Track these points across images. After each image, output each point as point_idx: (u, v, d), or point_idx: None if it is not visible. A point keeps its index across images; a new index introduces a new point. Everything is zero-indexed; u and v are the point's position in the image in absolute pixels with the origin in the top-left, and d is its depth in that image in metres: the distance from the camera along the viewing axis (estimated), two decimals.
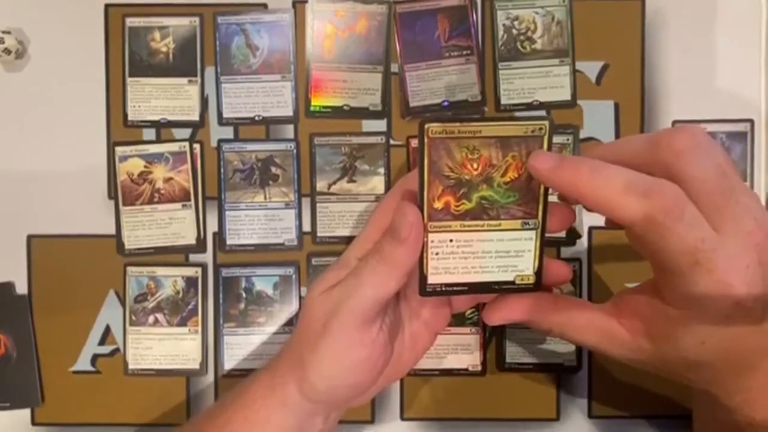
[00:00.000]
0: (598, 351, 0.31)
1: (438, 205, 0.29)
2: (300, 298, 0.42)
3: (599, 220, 0.41)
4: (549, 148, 0.29)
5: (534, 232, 0.30)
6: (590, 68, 0.41)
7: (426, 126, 0.28)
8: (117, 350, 0.42)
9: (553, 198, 0.30)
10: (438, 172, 0.29)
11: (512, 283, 0.31)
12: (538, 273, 0.31)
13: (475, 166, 0.29)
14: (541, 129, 0.28)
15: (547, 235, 0.31)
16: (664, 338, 0.29)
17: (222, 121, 0.42)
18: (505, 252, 0.30)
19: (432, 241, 0.30)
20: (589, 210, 0.28)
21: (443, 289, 0.31)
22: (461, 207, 0.30)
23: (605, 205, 0.26)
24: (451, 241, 0.30)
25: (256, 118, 0.42)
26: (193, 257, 0.42)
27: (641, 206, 0.25)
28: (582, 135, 0.41)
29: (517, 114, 0.41)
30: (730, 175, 0.27)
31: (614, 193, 0.26)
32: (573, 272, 0.35)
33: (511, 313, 0.32)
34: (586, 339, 0.31)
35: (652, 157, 0.27)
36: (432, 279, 0.31)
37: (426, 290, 0.31)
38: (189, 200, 0.42)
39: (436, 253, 0.30)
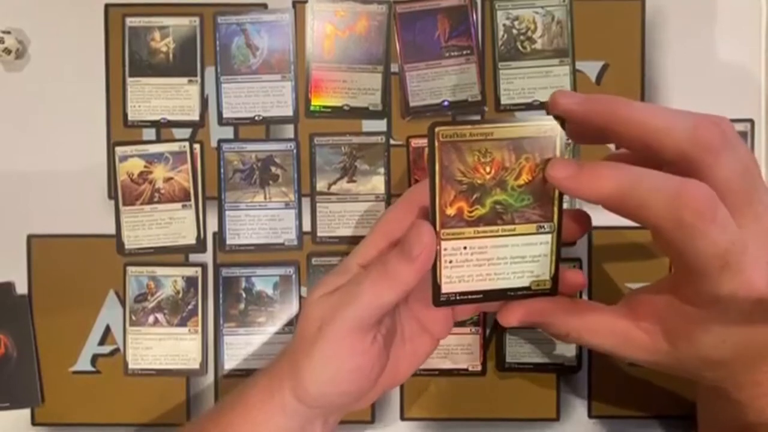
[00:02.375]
0: (615, 354, 0.31)
1: (450, 211, 0.29)
2: (300, 298, 0.42)
3: (599, 220, 0.41)
4: (562, 149, 0.28)
5: (550, 235, 0.29)
6: (590, 68, 0.41)
7: (436, 129, 0.27)
8: (117, 350, 0.42)
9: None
10: (450, 177, 0.28)
11: (528, 288, 0.30)
12: (555, 278, 0.30)
13: (487, 169, 0.28)
14: (553, 129, 0.28)
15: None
16: (683, 338, 0.28)
17: (222, 121, 0.42)
18: (520, 257, 0.30)
19: (445, 249, 0.29)
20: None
21: (457, 298, 0.30)
22: (474, 213, 0.29)
23: (631, 213, 0.26)
24: (464, 248, 0.29)
25: (256, 118, 0.42)
26: (193, 257, 0.42)
27: (671, 208, 0.25)
28: None
29: (519, 113, 0.41)
30: (753, 172, 0.27)
31: (641, 199, 0.26)
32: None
33: (527, 315, 0.31)
34: (603, 342, 0.30)
35: (686, 150, 0.26)
36: (446, 288, 0.30)
37: (440, 300, 0.30)
38: (189, 200, 0.42)
39: (450, 261, 0.29)
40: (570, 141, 0.41)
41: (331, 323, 0.30)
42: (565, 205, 0.30)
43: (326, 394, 0.32)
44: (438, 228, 0.29)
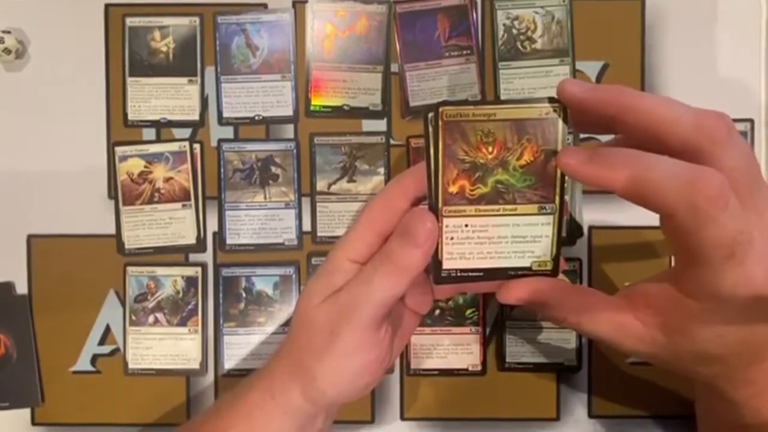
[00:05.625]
0: (610, 343, 0.30)
1: (453, 189, 0.29)
2: None
3: (599, 219, 0.41)
4: (564, 131, 0.28)
5: (551, 216, 0.29)
6: (590, 68, 0.41)
7: (440, 109, 0.28)
8: (117, 350, 0.42)
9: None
10: (452, 156, 0.29)
11: (529, 269, 0.30)
12: (556, 259, 0.30)
13: (489, 149, 0.29)
14: (555, 111, 0.28)
15: None
16: (680, 331, 0.28)
17: (222, 121, 0.42)
18: (521, 237, 0.30)
19: (447, 226, 0.29)
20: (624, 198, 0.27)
21: (458, 275, 0.30)
22: (476, 191, 0.29)
23: (645, 198, 0.26)
24: (466, 225, 0.29)
25: (256, 117, 0.42)
26: (193, 257, 0.42)
27: (686, 193, 0.25)
28: (582, 134, 0.41)
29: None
30: (755, 167, 0.27)
31: (656, 184, 0.25)
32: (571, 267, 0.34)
33: (527, 294, 0.31)
34: (600, 330, 0.30)
35: (692, 140, 0.26)
36: (447, 264, 0.30)
37: (440, 276, 0.30)
38: (189, 200, 0.42)
39: (451, 238, 0.30)
40: (569, 142, 0.41)
41: (347, 323, 0.30)
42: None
43: (343, 392, 0.32)
44: (440, 205, 0.29)
